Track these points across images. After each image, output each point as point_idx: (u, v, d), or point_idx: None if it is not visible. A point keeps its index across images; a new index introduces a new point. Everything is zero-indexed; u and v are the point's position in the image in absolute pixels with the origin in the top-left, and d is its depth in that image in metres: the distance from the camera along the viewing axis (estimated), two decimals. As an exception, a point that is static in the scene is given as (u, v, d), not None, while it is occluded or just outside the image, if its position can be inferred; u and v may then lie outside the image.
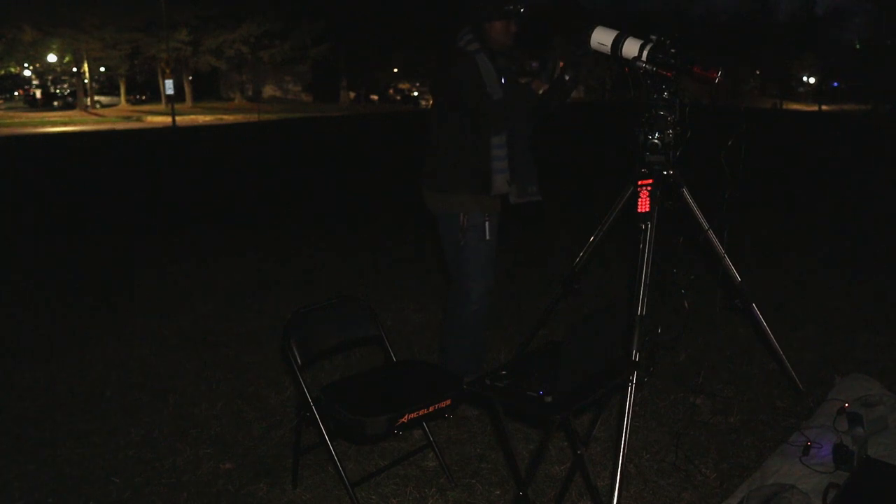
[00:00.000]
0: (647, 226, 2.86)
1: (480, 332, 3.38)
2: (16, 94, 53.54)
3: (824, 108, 46.96)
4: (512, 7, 3.06)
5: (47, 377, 3.83)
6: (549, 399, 2.05)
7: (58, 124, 32.10)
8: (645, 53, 2.85)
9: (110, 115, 39.95)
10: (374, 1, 45.08)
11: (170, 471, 2.91)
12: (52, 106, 46.16)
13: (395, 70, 57.18)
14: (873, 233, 7.19)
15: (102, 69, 45.42)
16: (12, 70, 47.25)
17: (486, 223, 3.20)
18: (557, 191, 10.36)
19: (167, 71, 36.08)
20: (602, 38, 2.98)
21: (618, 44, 2.93)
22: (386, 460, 2.94)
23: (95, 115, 39.89)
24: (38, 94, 50.91)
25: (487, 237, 3.22)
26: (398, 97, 56.36)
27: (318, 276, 5.80)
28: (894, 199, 9.16)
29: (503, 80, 3.18)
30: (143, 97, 50.41)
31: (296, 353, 2.59)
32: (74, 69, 44.28)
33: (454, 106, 3.13)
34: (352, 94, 54.12)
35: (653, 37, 2.88)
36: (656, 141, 2.88)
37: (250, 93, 50.95)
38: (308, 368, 2.79)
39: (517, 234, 7.14)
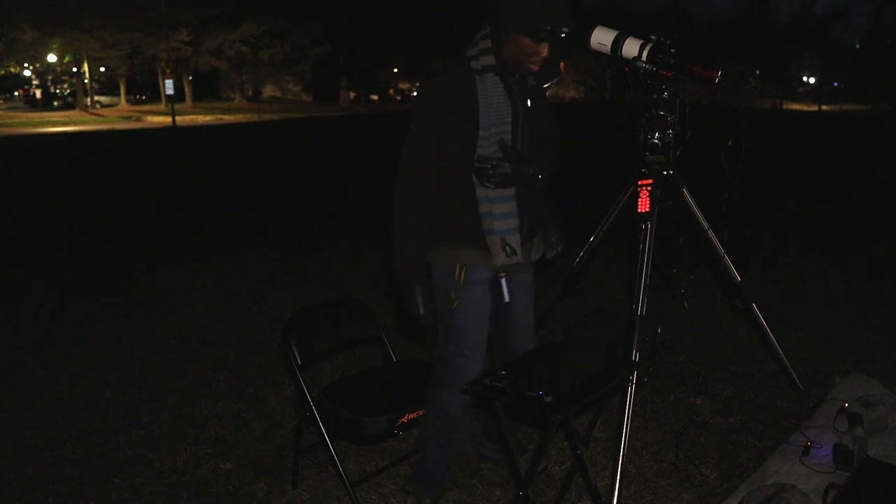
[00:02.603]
0: (647, 226, 2.86)
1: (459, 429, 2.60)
2: (16, 94, 53.54)
3: (824, 108, 46.97)
4: (551, 28, 2.20)
5: (47, 377, 3.83)
6: (549, 399, 2.05)
7: (58, 124, 32.09)
8: (645, 53, 2.85)
9: (110, 115, 39.94)
10: (375, 1, 45.07)
11: (170, 471, 2.91)
12: (52, 106, 46.15)
13: (395, 70, 57.17)
14: (873, 233, 7.19)
15: (102, 69, 45.41)
16: (12, 70, 47.25)
17: (503, 281, 2.43)
18: (557, 191, 10.37)
19: (167, 71, 36.11)
20: (602, 38, 2.98)
21: (618, 44, 2.93)
22: (386, 460, 2.94)
23: (95, 115, 39.88)
24: (38, 94, 50.90)
25: (507, 298, 2.44)
26: (398, 97, 56.32)
27: (318, 276, 5.80)
28: (894, 199, 9.15)
29: (530, 104, 2.39)
30: (143, 97, 50.40)
31: (296, 353, 2.59)
32: (74, 69, 44.26)
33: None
34: (352, 94, 54.10)
35: (653, 37, 2.88)
36: (656, 141, 2.88)
37: (250, 93, 50.95)
38: (308, 368, 2.79)
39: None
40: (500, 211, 2.32)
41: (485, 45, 2.30)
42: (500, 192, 2.32)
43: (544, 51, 2.25)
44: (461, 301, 2.35)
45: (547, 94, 2.51)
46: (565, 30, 2.22)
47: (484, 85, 2.27)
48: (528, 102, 2.38)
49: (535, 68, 2.30)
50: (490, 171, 2.26)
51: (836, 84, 54.47)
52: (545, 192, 2.52)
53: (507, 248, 2.32)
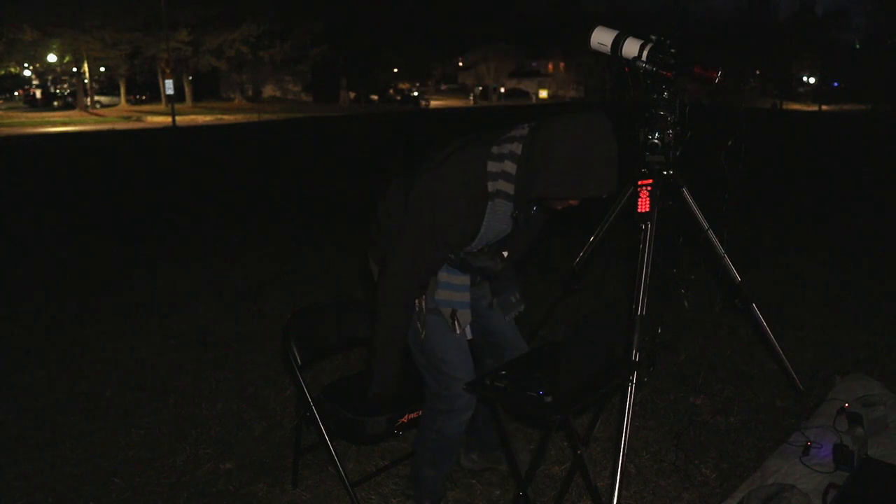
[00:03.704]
0: (647, 226, 2.86)
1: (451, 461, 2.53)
2: (16, 94, 53.55)
3: (824, 108, 46.98)
4: (594, 194, 2.01)
5: (47, 377, 3.83)
6: (549, 399, 2.05)
7: (58, 124, 32.10)
8: (645, 53, 2.85)
9: (110, 115, 39.97)
10: (374, 1, 45.11)
11: (170, 471, 2.91)
12: (52, 106, 46.14)
13: (395, 70, 57.21)
14: (873, 233, 7.19)
15: (102, 69, 45.46)
16: (12, 70, 47.26)
17: (456, 314, 2.33)
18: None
19: (167, 71, 36.13)
20: (602, 38, 2.98)
21: (618, 44, 2.93)
22: (386, 460, 2.94)
23: (95, 115, 39.90)
24: (38, 94, 50.90)
25: (457, 331, 2.33)
26: (398, 97, 56.36)
27: (318, 277, 5.79)
28: (894, 199, 9.15)
29: (515, 217, 2.21)
30: (143, 97, 50.42)
31: (296, 353, 2.58)
32: (74, 69, 44.29)
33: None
34: (352, 94, 54.14)
35: (653, 37, 2.88)
36: (656, 141, 2.88)
37: (250, 93, 50.97)
38: (308, 368, 2.79)
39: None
40: (457, 282, 2.32)
41: (509, 168, 2.07)
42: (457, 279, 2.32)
43: (576, 202, 2.10)
44: (428, 329, 2.31)
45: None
46: (606, 195, 2.03)
47: (493, 210, 2.13)
48: (533, 208, 2.27)
49: (559, 209, 2.16)
50: (456, 260, 2.27)
51: (836, 84, 54.48)
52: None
53: (456, 323, 2.32)
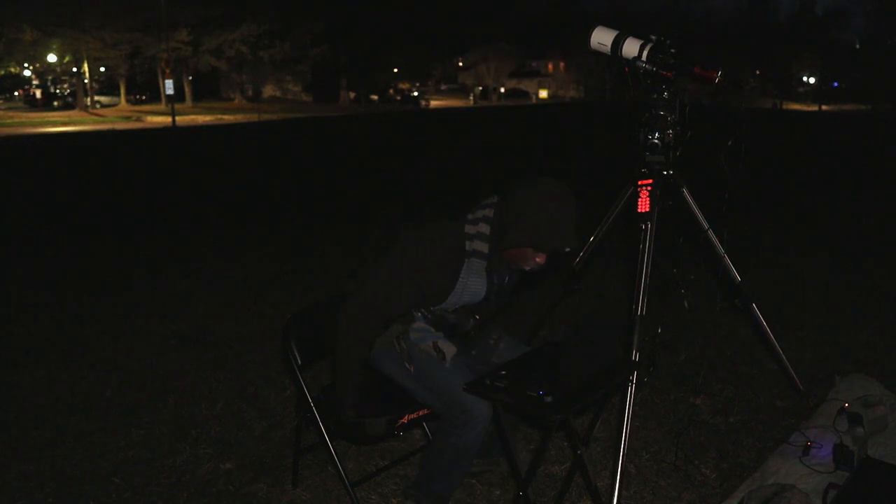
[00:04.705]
0: (647, 226, 2.86)
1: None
2: (16, 94, 53.54)
3: (824, 108, 46.98)
4: (559, 245, 2.26)
5: (47, 377, 3.83)
6: (549, 399, 2.05)
7: (58, 124, 32.11)
8: (645, 53, 2.85)
9: (110, 115, 39.97)
10: (374, 1, 45.12)
11: (170, 471, 2.91)
12: (52, 106, 46.15)
13: (395, 70, 57.21)
14: (873, 233, 7.19)
15: (102, 69, 45.46)
16: (12, 70, 47.27)
17: (438, 344, 2.43)
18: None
19: (167, 71, 36.11)
20: (602, 38, 2.98)
21: (618, 44, 2.93)
22: (386, 460, 2.94)
23: (95, 115, 39.91)
24: (38, 94, 50.91)
25: (447, 362, 2.42)
26: (398, 97, 56.37)
27: (318, 276, 5.79)
28: (894, 199, 9.15)
29: (494, 281, 2.41)
30: (143, 97, 50.42)
31: (296, 353, 2.58)
32: (74, 69, 44.30)
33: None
34: (352, 94, 54.14)
35: (653, 37, 2.88)
36: (656, 141, 2.88)
37: (250, 93, 50.96)
38: (308, 368, 2.79)
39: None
40: (431, 331, 2.46)
41: (483, 231, 2.31)
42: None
43: (542, 259, 2.31)
44: (416, 362, 2.41)
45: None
46: (568, 248, 2.27)
47: (468, 269, 2.33)
48: (506, 278, 2.45)
49: (528, 269, 2.35)
50: (430, 316, 2.41)
51: (835, 84, 54.50)
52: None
53: (441, 354, 2.42)
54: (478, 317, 2.48)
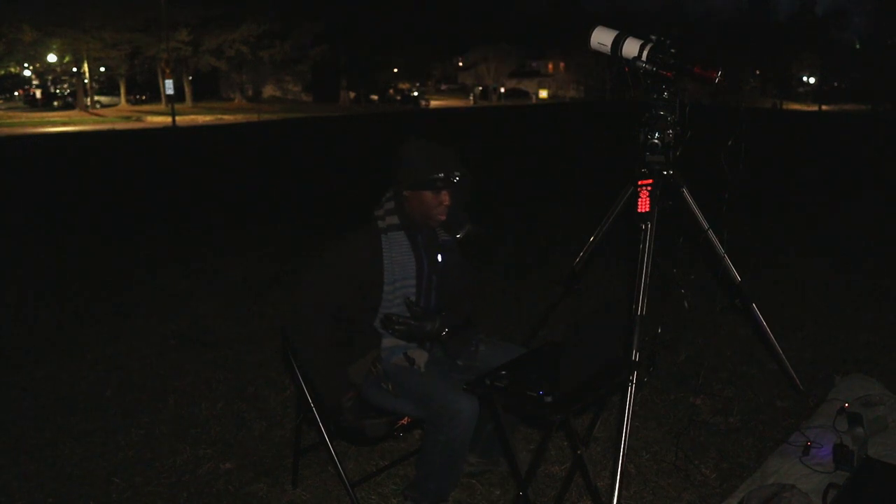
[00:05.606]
0: (647, 226, 2.86)
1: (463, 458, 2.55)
2: (16, 94, 53.53)
3: (824, 108, 46.98)
4: (444, 175, 2.37)
5: (47, 377, 3.83)
6: (549, 399, 2.05)
7: (58, 124, 32.10)
8: (645, 53, 2.85)
9: (110, 115, 39.97)
10: (374, 1, 45.13)
11: (170, 471, 2.91)
12: (52, 106, 46.13)
13: (395, 70, 57.20)
14: (873, 233, 7.19)
15: (102, 69, 45.45)
16: (12, 70, 47.26)
17: (408, 354, 2.49)
18: (557, 191, 10.36)
19: (167, 71, 36.11)
20: (602, 38, 2.98)
21: (618, 44, 2.93)
22: (386, 460, 2.94)
23: (95, 115, 39.91)
24: (38, 94, 50.90)
25: (421, 369, 2.46)
26: (398, 97, 56.36)
27: (318, 276, 5.79)
28: (894, 199, 9.15)
29: (440, 258, 2.53)
30: (143, 97, 50.42)
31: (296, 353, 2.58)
32: (74, 69, 44.29)
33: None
34: (352, 94, 54.14)
35: (653, 37, 2.88)
36: (656, 141, 2.88)
37: (250, 93, 50.96)
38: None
39: (517, 234, 7.15)
40: (405, 345, 2.52)
41: (389, 206, 2.49)
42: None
43: (446, 199, 2.42)
44: (393, 378, 2.44)
45: (459, 239, 2.57)
46: (457, 174, 2.39)
47: (389, 243, 2.45)
48: (439, 257, 2.53)
49: (443, 218, 2.45)
50: (395, 327, 2.40)
51: (836, 84, 54.50)
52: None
53: (414, 362, 2.46)
54: (444, 313, 2.47)
